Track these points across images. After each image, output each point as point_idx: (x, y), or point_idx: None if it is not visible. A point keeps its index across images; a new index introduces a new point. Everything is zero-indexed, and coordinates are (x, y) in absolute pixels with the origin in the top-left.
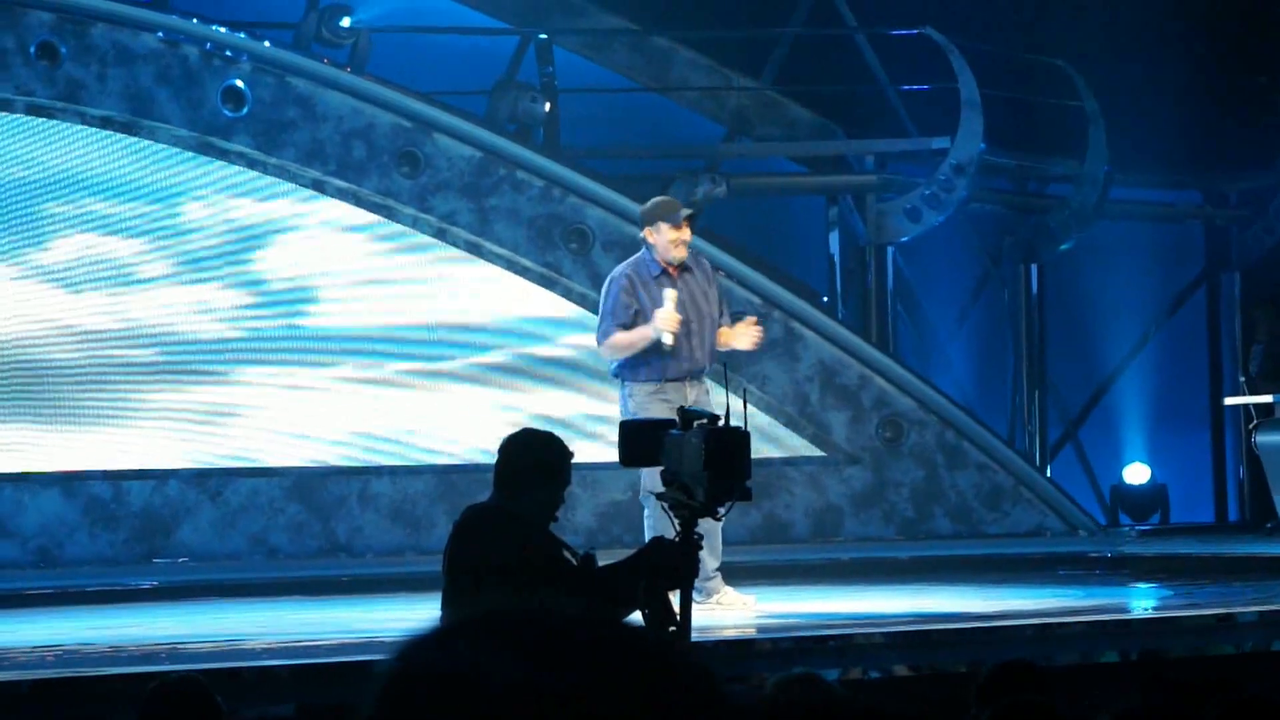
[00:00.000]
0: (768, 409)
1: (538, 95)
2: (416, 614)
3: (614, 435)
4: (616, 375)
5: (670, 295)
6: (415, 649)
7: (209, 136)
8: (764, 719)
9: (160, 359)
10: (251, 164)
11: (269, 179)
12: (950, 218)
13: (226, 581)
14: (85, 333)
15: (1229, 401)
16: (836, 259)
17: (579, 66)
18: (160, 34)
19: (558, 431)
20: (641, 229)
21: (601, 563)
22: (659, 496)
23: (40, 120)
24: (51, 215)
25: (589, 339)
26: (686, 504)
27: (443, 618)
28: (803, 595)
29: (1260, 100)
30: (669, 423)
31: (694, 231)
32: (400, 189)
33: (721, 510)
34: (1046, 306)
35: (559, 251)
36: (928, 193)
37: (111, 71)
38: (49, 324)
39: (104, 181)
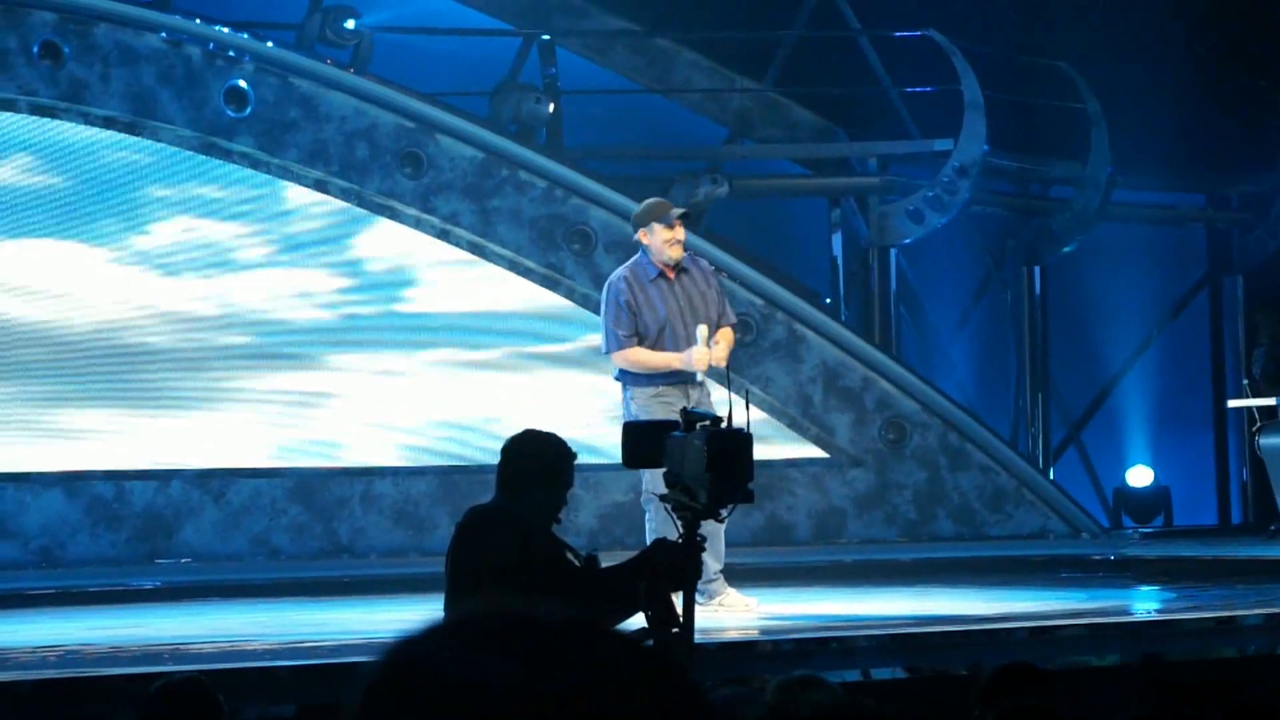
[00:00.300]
0: (770, 410)
1: (541, 96)
2: (418, 615)
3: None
4: (618, 378)
5: (702, 334)
6: (401, 649)
7: (212, 137)
8: None
9: (255, 343)
10: (255, 164)
11: None
12: (953, 220)
13: (228, 582)
14: (182, 318)
15: (1232, 404)
16: (839, 261)
17: (581, 68)
18: (163, 34)
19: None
20: (635, 232)
21: (604, 564)
22: (661, 498)
23: None
24: (156, 199)
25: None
26: (689, 506)
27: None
28: (805, 597)
29: (1262, 103)
30: (672, 424)
31: (694, 231)
32: (403, 190)
33: (724, 512)
34: (1049, 309)
35: (561, 253)
36: (930, 195)
37: (114, 72)
38: (146, 309)
39: (207, 164)
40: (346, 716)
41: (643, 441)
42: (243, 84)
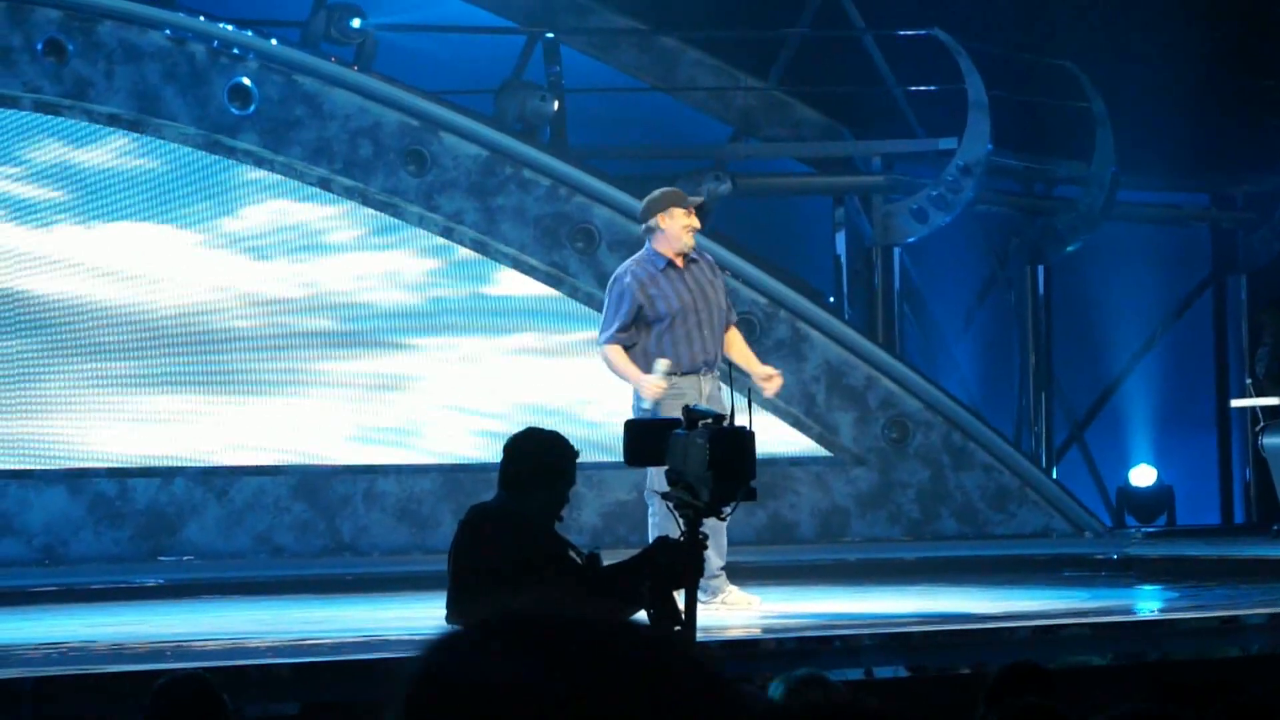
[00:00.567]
0: (774, 409)
1: (546, 94)
2: (421, 613)
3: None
4: None
5: (662, 365)
6: (440, 651)
7: (216, 134)
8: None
9: (339, 327)
10: (259, 162)
11: None
12: (957, 219)
13: (231, 580)
14: (268, 300)
15: (1235, 404)
16: (843, 260)
17: (586, 66)
18: (167, 31)
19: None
20: (649, 219)
21: (606, 562)
22: (664, 496)
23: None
24: (249, 182)
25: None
26: (691, 504)
27: (448, 616)
28: (808, 596)
29: (1267, 102)
30: (674, 422)
31: (703, 224)
32: (407, 188)
33: (726, 510)
34: (1053, 308)
35: (565, 251)
36: (934, 194)
37: (119, 69)
38: (234, 292)
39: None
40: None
41: (645, 439)
42: (247, 81)
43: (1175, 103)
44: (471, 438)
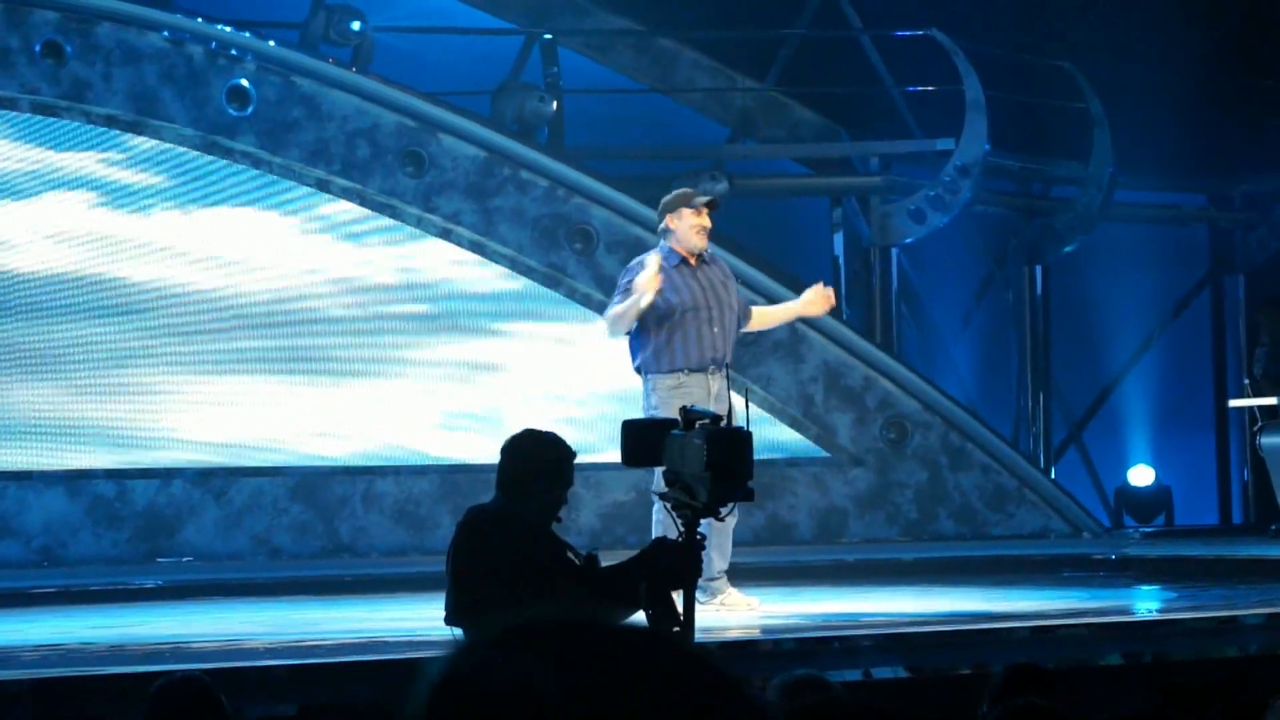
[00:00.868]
0: (772, 410)
1: (544, 95)
2: (420, 614)
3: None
4: (638, 369)
5: (654, 259)
6: (463, 658)
7: (214, 136)
8: None
9: (431, 311)
10: (257, 163)
11: None
12: (954, 219)
13: (230, 581)
14: (363, 286)
15: (1233, 404)
16: (841, 260)
17: (583, 67)
18: (165, 33)
19: None
20: (661, 221)
21: (604, 564)
22: (661, 497)
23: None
24: None
25: None
26: (689, 504)
27: (447, 618)
28: (806, 596)
29: (1264, 102)
30: (671, 422)
31: (713, 222)
32: (405, 189)
33: (723, 511)
34: (1051, 309)
35: (563, 252)
36: (932, 194)
37: (116, 71)
38: (328, 277)
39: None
40: None
41: (642, 440)
42: (245, 83)
43: (1173, 103)
44: (559, 425)
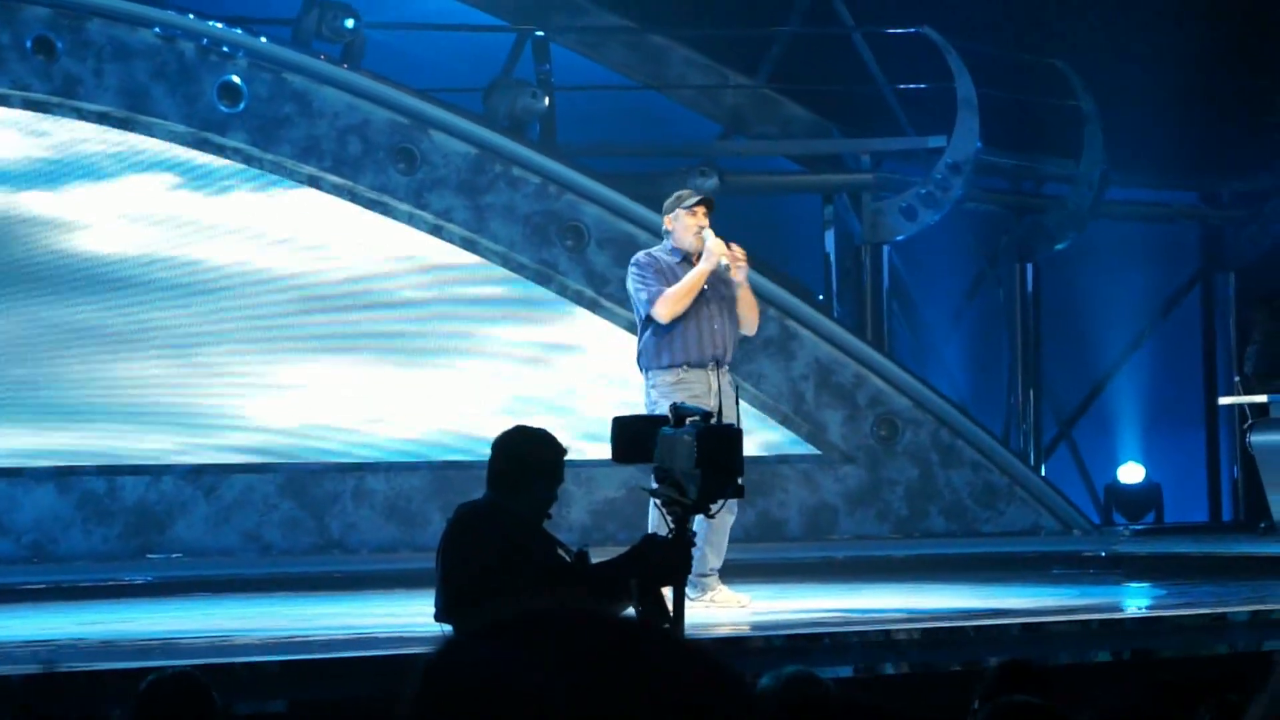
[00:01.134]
0: (762, 407)
1: (536, 92)
2: (410, 610)
3: None
4: (640, 365)
5: (710, 235)
6: (453, 650)
7: (205, 132)
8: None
9: (507, 295)
10: (248, 160)
11: None
12: (946, 217)
13: (220, 577)
14: (438, 267)
15: (1223, 401)
16: (832, 257)
17: (576, 64)
18: (157, 29)
19: None
20: (663, 225)
21: (595, 560)
22: (651, 493)
23: None
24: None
25: None
26: (679, 501)
27: (437, 615)
28: (797, 593)
29: (1255, 101)
30: (661, 419)
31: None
32: (396, 185)
33: (714, 508)
34: (1042, 306)
35: (555, 248)
36: (923, 192)
37: (108, 67)
38: (403, 259)
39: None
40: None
41: (633, 436)
42: (236, 79)
43: (1164, 101)
44: (626, 409)
